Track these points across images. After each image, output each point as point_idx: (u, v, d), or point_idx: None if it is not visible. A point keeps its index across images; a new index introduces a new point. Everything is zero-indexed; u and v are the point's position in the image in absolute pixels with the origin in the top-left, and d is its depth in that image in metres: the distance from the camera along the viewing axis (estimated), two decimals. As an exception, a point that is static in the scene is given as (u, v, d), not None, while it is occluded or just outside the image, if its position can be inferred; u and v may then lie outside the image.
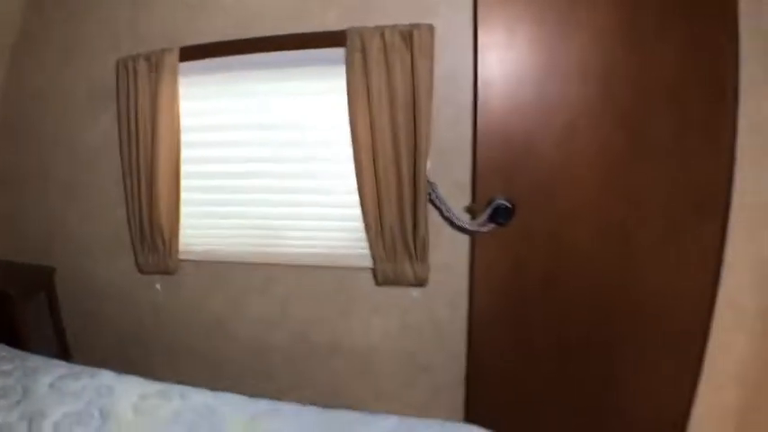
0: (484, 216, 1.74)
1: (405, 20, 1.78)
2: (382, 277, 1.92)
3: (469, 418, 1.91)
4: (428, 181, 1.82)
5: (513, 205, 1.74)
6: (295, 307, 2.03)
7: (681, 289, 1.76)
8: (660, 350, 1.82)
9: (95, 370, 2.00)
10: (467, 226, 1.79)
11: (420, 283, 1.92)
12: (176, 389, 1.88)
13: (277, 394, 1.74)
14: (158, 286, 2.16)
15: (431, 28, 1.77)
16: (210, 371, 2.09)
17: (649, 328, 1.81)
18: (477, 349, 1.87)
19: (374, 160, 1.81)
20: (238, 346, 2.08)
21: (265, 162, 1.97)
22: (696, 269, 1.73)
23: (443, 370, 2.00)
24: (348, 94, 1.81)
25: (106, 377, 1.99)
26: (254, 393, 1.76)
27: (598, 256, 1.77)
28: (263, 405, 1.77)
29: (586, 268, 1.79)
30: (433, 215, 1.88)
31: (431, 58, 1.77)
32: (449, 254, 1.90)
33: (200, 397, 1.84)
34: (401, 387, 2.03)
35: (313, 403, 1.73)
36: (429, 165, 1.83)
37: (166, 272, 2.07)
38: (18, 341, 2.21)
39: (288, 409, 1.74)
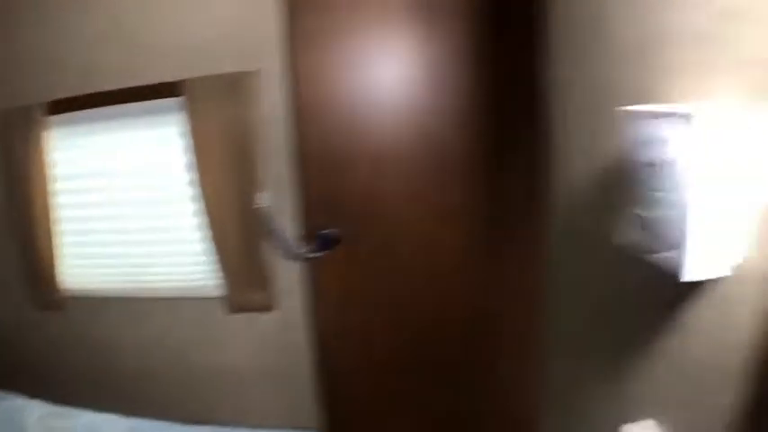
0: (312, 244, 1.90)
1: (235, 67, 1.93)
2: (232, 306, 2.11)
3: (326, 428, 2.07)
4: (265, 213, 1.98)
5: (338, 232, 1.90)
6: (169, 335, 2.24)
7: (515, 292, 1.87)
8: (505, 352, 1.93)
9: (7, 395, 2.29)
10: (300, 254, 1.96)
11: (266, 308, 2.10)
12: (71, 411, 2.17)
13: (158, 413, 1.97)
14: (50, 320, 2.38)
15: (257, 73, 1.92)
16: (101, 393, 2.33)
17: (489, 332, 1.92)
18: (324, 367, 2.04)
19: (216, 198, 1.98)
20: (124, 372, 2.31)
21: (125, 205, 2.16)
22: (527, 271, 1.83)
23: (303, 385, 2.19)
24: (189, 138, 1.97)
25: (18, 401, 2.28)
26: (137, 413, 2.00)
27: (426, 272, 1.89)
28: (135, 422, 2.02)
29: (416, 285, 1.92)
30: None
31: (258, 99, 1.92)
32: (294, 279, 2.07)
33: (87, 417, 2.12)
34: (266, 402, 2.24)
35: (188, 420, 1.95)
36: (266, 198, 1.99)
37: (53, 308, 2.31)
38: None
39: (156, 425, 1.99)
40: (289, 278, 2.07)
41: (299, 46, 1.82)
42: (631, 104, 1.05)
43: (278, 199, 1.99)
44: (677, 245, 0.83)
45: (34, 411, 2.20)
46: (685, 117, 0.80)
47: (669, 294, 0.94)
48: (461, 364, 1.99)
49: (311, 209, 1.92)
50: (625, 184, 0.99)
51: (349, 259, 1.93)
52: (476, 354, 1.97)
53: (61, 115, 2.12)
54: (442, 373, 2.02)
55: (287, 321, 2.12)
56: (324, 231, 1.90)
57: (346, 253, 1.92)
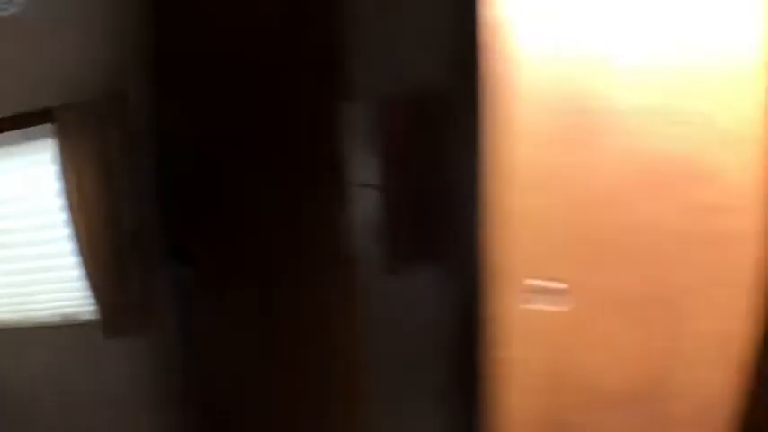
0: (179, 263, 1.91)
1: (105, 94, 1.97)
2: (108, 330, 2.08)
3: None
4: (134, 233, 1.99)
5: (203, 249, 1.91)
6: (51, 363, 2.19)
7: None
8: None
9: None
10: (169, 273, 1.95)
11: (142, 331, 2.07)
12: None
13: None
14: None
15: (125, 97, 1.97)
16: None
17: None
18: (205, 391, 2.02)
19: (87, 222, 1.99)
20: (15, 403, 2.25)
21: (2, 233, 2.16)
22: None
23: (183, 411, 2.13)
24: (61, 163, 1.99)
25: None
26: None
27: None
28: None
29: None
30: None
31: (127, 123, 1.96)
32: (172, 301, 2.06)
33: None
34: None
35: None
36: (135, 218, 2.00)
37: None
38: None
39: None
40: (166, 300, 2.06)
41: (165, 70, 1.88)
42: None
43: (147, 218, 2.00)
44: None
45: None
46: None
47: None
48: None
49: (178, 227, 1.93)
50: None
51: (220, 276, 1.93)
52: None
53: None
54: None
55: (166, 345, 2.09)
56: (188, 249, 1.91)
57: (217, 270, 1.93)
